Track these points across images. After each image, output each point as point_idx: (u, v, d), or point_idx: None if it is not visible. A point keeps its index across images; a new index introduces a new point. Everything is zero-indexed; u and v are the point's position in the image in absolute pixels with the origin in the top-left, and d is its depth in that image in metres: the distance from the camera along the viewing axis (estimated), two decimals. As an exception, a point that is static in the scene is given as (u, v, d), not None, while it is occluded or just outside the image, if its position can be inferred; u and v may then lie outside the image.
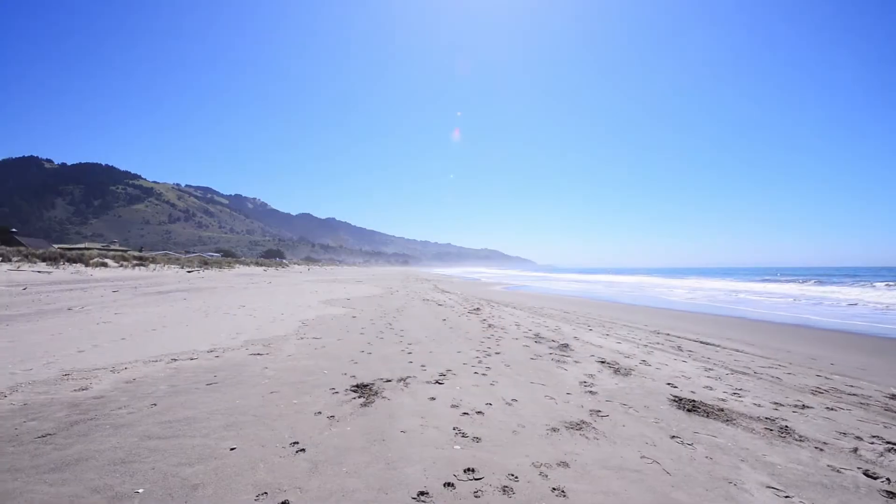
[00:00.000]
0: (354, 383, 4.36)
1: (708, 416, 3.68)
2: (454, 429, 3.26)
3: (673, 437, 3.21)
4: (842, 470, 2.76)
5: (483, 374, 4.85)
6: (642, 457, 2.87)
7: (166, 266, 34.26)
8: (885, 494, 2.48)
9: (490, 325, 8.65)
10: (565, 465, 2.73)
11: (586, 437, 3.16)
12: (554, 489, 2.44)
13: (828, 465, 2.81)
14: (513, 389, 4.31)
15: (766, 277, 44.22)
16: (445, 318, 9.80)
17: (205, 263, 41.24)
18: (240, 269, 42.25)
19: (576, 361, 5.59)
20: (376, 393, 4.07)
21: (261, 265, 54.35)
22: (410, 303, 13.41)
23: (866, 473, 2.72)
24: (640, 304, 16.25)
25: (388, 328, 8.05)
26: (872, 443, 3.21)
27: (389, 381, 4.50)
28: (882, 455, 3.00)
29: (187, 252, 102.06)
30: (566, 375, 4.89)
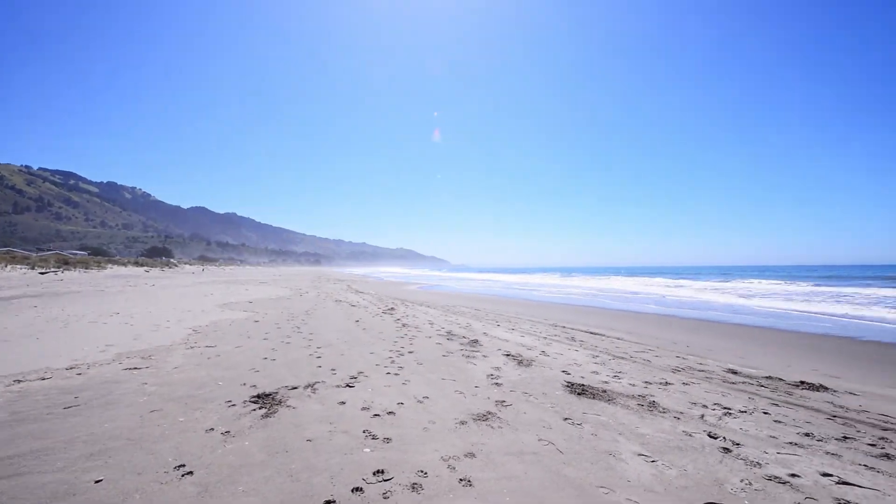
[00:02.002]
0: (255, 393, 4.04)
1: (594, 397, 4.16)
2: (364, 432, 3.21)
3: (566, 419, 3.57)
4: (693, 434, 3.33)
5: (396, 374, 4.85)
6: (539, 440, 3.14)
7: (9, 267, 27.90)
8: (721, 451, 3.05)
9: (404, 325, 8.66)
10: (472, 455, 2.86)
11: (492, 427, 3.35)
12: (461, 480, 2.55)
13: (683, 431, 3.37)
14: (425, 387, 4.38)
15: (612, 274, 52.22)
16: (358, 318, 9.56)
17: (65, 263, 34.48)
18: (114, 270, 36.18)
19: (484, 356, 5.88)
20: (280, 402, 3.82)
21: (142, 265, 47.20)
22: (321, 304, 12.81)
23: (710, 435, 3.32)
24: (546, 300, 17.67)
25: (295, 332, 7.59)
26: (714, 409, 3.92)
27: (295, 388, 4.26)
28: (721, 419, 3.69)
29: (40, 250, 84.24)
30: (475, 370, 5.12)
